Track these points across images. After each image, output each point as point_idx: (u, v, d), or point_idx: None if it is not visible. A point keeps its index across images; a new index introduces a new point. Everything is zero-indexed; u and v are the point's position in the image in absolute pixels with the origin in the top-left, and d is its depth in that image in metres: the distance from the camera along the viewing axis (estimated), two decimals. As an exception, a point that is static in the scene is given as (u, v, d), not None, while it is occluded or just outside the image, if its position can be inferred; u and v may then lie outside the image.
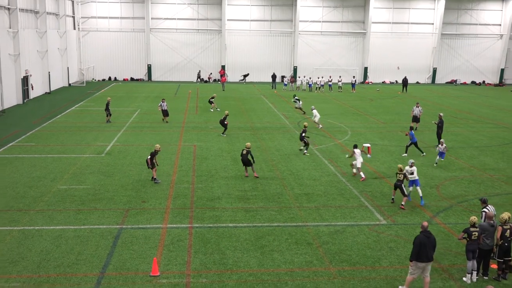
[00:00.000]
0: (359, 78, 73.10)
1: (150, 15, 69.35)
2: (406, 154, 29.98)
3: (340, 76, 65.09)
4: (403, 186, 20.65)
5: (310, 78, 64.00)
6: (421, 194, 21.14)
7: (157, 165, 23.70)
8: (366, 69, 73.55)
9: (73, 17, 67.51)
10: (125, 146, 30.48)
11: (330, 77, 65.01)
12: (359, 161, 24.73)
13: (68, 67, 62.95)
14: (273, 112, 44.37)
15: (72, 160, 26.86)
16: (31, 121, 38.47)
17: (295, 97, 45.55)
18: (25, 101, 48.46)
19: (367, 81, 73.66)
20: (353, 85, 62.86)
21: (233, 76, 72.01)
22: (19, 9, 47.58)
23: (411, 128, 30.47)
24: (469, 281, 14.64)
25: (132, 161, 26.88)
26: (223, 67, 70.93)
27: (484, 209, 15.90)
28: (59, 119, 39.48)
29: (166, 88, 61.71)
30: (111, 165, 26.13)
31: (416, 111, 37.49)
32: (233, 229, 17.97)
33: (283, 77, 69.33)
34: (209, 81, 71.22)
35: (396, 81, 74.34)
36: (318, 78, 64.54)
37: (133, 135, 33.99)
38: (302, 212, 19.80)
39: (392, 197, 21.28)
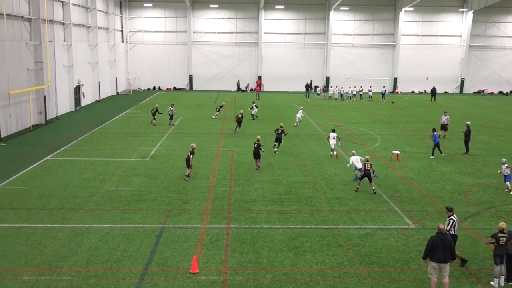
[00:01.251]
0: (388, 88, 72.11)
1: (192, 29, 70.14)
2: (433, 157, 29.56)
3: (370, 86, 64.36)
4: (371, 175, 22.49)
5: (342, 88, 63.51)
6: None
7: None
8: (395, 79, 72.51)
9: (122, 31, 68.84)
10: (167, 151, 30.79)
11: (361, 87, 64.29)
12: (332, 143, 29.20)
13: (116, 77, 64.17)
14: (306, 120, 44.17)
15: (119, 163, 27.27)
16: (82, 127, 39.29)
17: (254, 104, 45.37)
18: (77, 108, 49.56)
19: (396, 90, 72.60)
20: (383, 94, 62.04)
21: (268, 85, 72.03)
22: (73, 24, 48.75)
23: (434, 130, 30.14)
24: (496, 285, 14.17)
25: (174, 165, 27.11)
26: (259, 77, 71.07)
27: (452, 217, 15.14)
28: (107, 125, 40.22)
29: (206, 97, 62.18)
30: (154, 168, 26.42)
31: (444, 119, 36.73)
32: (268, 230, 17.88)
33: (316, 87, 68.98)
34: (246, 91, 71.42)
35: (425, 90, 73.01)
36: (350, 88, 63.96)
37: (175, 140, 34.30)
38: (334, 215, 19.58)
39: (358, 186, 22.70)
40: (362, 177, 22.61)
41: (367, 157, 23.07)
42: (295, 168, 26.98)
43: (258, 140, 26.81)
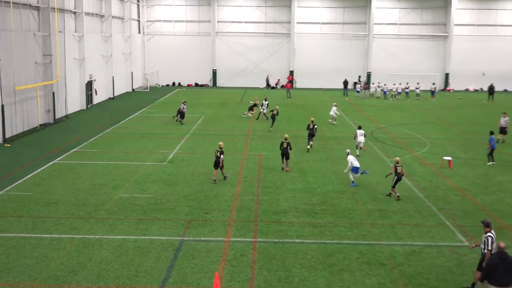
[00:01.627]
0: (439, 85, 71.14)
1: (216, 18, 70.62)
2: (493, 162, 29.13)
3: (418, 83, 63.57)
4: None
5: (385, 85, 62.99)
6: None
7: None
8: (447, 75, 71.58)
9: (138, 20, 69.76)
10: (188, 154, 30.98)
11: (407, 83, 63.62)
12: (361, 140, 31.08)
13: (132, 72, 65.04)
14: (344, 121, 43.91)
15: (134, 168, 27.53)
16: (94, 127, 39.87)
17: (265, 101, 45.26)
18: (88, 106, 50.35)
19: (448, 88, 71.61)
20: (432, 92, 61.25)
21: (301, 82, 71.96)
22: (85, 13, 49.58)
23: (491, 133, 29.76)
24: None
25: (195, 170, 27.24)
26: (291, 72, 71.05)
27: (489, 234, 14.62)
28: (122, 125, 40.74)
29: (231, 94, 62.44)
30: (173, 174, 26.59)
31: (503, 121, 36.10)
32: (299, 245, 17.79)
33: (355, 83, 68.54)
34: (276, 87, 71.47)
35: (481, 88, 71.80)
36: (394, 84, 63.34)
37: (197, 143, 34.50)
38: (375, 229, 19.38)
39: (391, 192, 23.13)
40: (395, 182, 23.03)
41: (397, 158, 23.77)
42: (331, 175, 26.83)
43: (286, 139, 27.55)
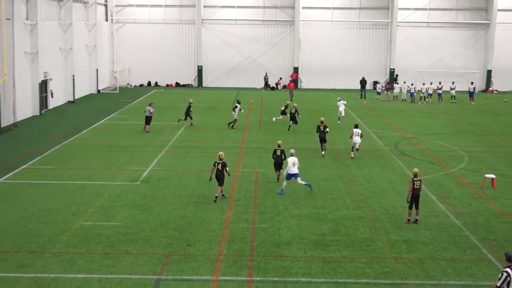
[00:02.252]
0: (479, 85, 71.44)
1: (203, 1, 70.83)
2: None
3: (453, 83, 63.81)
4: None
5: (412, 85, 63.14)
6: None
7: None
8: (489, 72, 71.87)
9: (106, 5, 69.91)
10: (167, 172, 30.93)
11: (439, 83, 63.68)
12: (356, 141, 34.07)
13: (97, 69, 65.22)
14: (362, 129, 43.72)
15: (99, 189, 27.44)
16: (49, 137, 39.81)
17: (238, 102, 45.44)
18: (42, 112, 50.26)
19: (490, 88, 71.84)
20: (471, 94, 61.51)
21: (308, 81, 72.15)
22: (39, -5, 49.59)
23: None
24: None
25: (175, 192, 27.20)
26: (295, 69, 71.19)
27: (507, 270, 14.66)
28: (84, 136, 40.72)
29: (221, 96, 62.52)
30: (148, 196, 26.54)
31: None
32: (306, 285, 17.75)
33: (375, 83, 68.72)
34: (277, 88, 71.56)
35: (532, 89, 72.22)
36: (424, 84, 63.33)
37: (178, 157, 34.49)
38: (401, 265, 19.37)
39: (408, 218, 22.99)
40: (411, 200, 23.12)
41: (416, 169, 23.67)
42: (345, 197, 26.86)
43: (279, 146, 29.09)
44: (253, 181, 29.31)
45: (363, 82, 65.13)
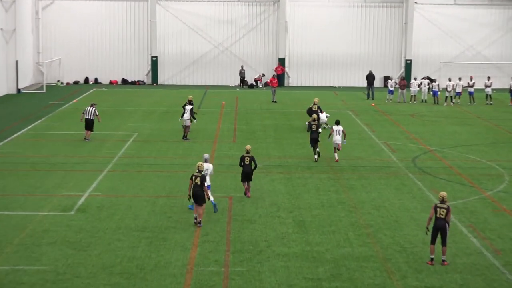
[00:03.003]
0: (522, 81, 71.98)
1: (158, -27, 70.83)
2: None
3: (489, 78, 64.21)
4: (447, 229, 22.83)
5: (435, 81, 63.23)
6: None
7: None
8: (535, 65, 72.46)
9: (29, -23, 69.50)
10: (110, 198, 30.67)
11: (471, 79, 63.91)
12: (337, 140, 37.09)
13: (17, 61, 64.88)
14: (369, 140, 44.16)
15: (19, 222, 27.06)
16: (-47, 152, 39.44)
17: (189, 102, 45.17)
18: None
19: (536, 86, 72.42)
20: (512, 93, 61.92)
21: (298, 77, 72.26)
22: None
23: None
24: None
25: (122, 224, 26.89)
26: (281, 61, 71.15)
27: None
28: None
29: (182, 97, 62.18)
30: (86, 230, 26.18)
31: None
32: None
33: (387, 78, 68.80)
34: (257, 85, 71.47)
35: None
36: (450, 80, 63.27)
37: (125, 178, 34.29)
38: (423, 321, 19.21)
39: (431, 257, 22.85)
40: (433, 233, 23.02)
41: (443, 193, 23.34)
42: (347, 230, 26.69)
43: (248, 152, 30.72)
44: (225, 209, 29.08)
45: (370, 78, 65.24)
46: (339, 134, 37.36)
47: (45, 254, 23.60)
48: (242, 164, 30.36)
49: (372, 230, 26.63)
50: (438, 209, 22.90)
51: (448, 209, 22.91)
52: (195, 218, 26.54)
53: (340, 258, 23.72)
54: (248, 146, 31.39)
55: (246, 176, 30.35)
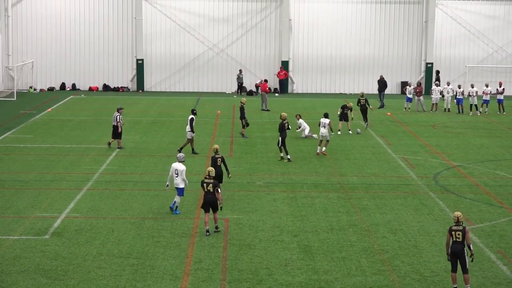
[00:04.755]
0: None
1: (145, -35, 71.08)
2: None
3: (520, 84, 64.52)
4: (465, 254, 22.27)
5: (459, 88, 63.11)
6: None
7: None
8: None
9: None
10: (90, 220, 30.67)
11: (500, 85, 63.97)
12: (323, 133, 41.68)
13: (-16, 65, 64.82)
14: (384, 155, 44.21)
15: (-14, 246, 27.06)
16: None
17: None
18: None
19: None
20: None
21: (303, 82, 72.33)
22: None
23: None
24: None
25: (103, 250, 26.86)
26: (284, 65, 71.22)
27: None
28: (-36, 165, 40.37)
29: (172, 106, 62.44)
30: (62, 257, 26.14)
31: None
32: None
33: (404, 84, 68.86)
34: (257, 92, 71.42)
35: None
36: (473, 87, 62.88)
37: (107, 197, 34.27)
38: None
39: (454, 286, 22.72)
40: (452, 259, 22.84)
41: (458, 214, 22.99)
42: (359, 256, 26.68)
43: (217, 152, 32.76)
44: (221, 232, 29.04)
45: (380, 84, 65.46)
46: (324, 127, 42.26)
47: (15, 283, 23.59)
48: (213, 165, 30.95)
49: (387, 257, 26.61)
50: (453, 232, 22.71)
51: (464, 231, 22.58)
52: (207, 231, 27.75)
53: (351, 287, 23.91)
54: (217, 146, 33.26)
55: (219, 178, 31.32)
